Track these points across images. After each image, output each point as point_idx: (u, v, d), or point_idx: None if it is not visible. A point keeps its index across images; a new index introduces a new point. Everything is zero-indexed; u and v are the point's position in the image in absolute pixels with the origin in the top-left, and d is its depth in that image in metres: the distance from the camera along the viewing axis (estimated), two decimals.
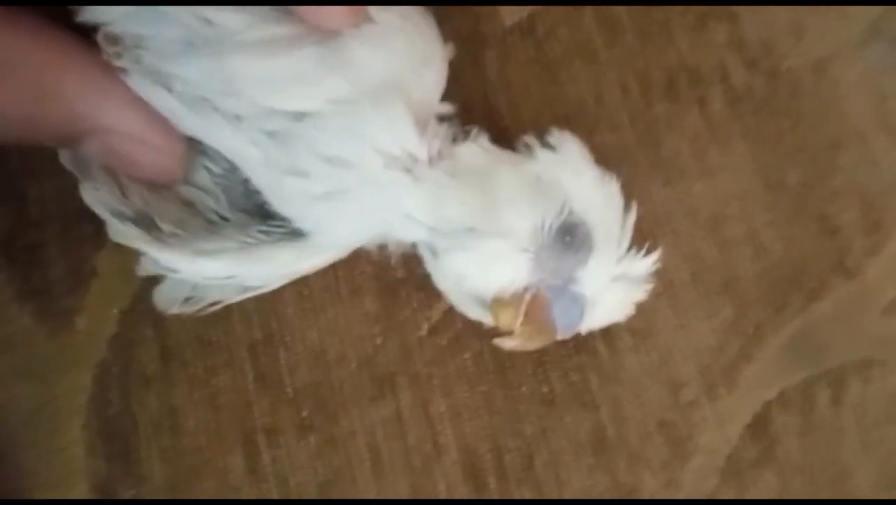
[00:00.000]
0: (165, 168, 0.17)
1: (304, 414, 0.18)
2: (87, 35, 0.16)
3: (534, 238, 0.16)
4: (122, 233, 0.16)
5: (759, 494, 0.18)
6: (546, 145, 0.17)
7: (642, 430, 0.18)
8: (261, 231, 0.17)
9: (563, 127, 0.18)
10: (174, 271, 0.17)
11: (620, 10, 0.20)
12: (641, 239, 0.18)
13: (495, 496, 0.18)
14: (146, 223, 0.17)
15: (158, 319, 0.18)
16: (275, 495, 0.18)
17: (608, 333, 0.18)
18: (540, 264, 0.16)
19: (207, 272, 0.16)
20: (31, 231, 0.19)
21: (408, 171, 0.16)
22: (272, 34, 0.16)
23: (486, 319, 0.17)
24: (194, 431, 0.18)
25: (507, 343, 0.16)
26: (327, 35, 0.16)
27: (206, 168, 0.18)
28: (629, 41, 0.20)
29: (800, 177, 0.19)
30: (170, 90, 0.16)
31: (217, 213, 0.18)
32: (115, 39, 0.16)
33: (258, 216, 0.18)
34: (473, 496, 0.18)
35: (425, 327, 0.18)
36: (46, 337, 0.19)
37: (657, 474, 0.18)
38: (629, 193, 0.18)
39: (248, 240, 0.17)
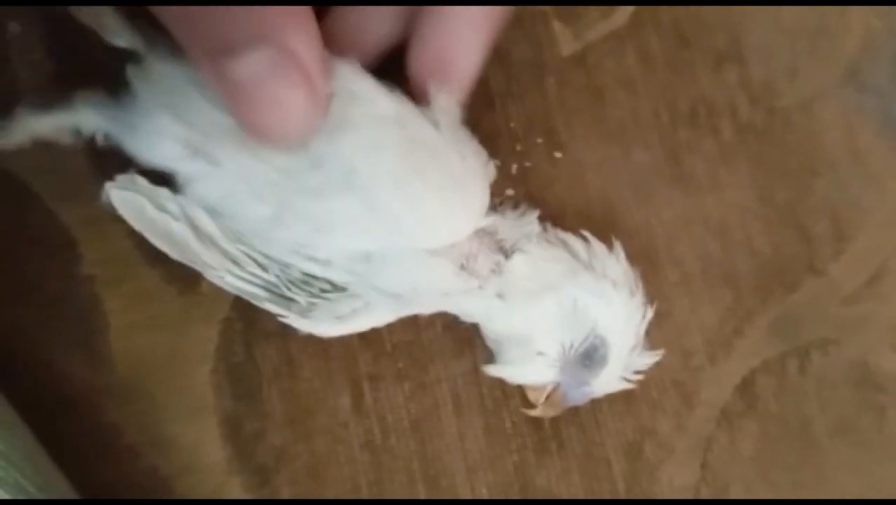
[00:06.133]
0: (301, 125, 0.19)
1: (400, 365, 0.25)
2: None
3: (560, 358, 0.22)
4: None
5: (743, 438, 0.25)
6: (589, 265, 0.22)
7: (660, 385, 0.25)
8: None
9: (606, 143, 0.25)
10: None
11: (657, 50, 0.27)
12: (667, 239, 0.26)
13: (549, 434, 0.25)
14: (276, 292, 0.22)
15: None
16: (376, 430, 0.24)
17: None
18: (562, 374, 0.22)
19: (348, 330, 0.22)
20: None
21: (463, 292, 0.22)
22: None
23: None
24: (309, 377, 0.24)
25: (531, 412, 0.23)
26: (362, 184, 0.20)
27: None
28: (662, 76, 0.27)
29: (786, 195, 0.27)
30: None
31: None
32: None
33: None
34: (533, 432, 0.25)
35: None
36: (175, 295, 0.25)
37: (670, 420, 0.25)
38: (659, 201, 0.25)
39: (371, 294, 0.22)
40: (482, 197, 0.22)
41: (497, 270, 0.22)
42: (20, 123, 0.23)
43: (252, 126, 0.19)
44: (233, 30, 0.18)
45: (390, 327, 0.24)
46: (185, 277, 0.24)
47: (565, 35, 0.26)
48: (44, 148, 0.24)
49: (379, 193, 0.20)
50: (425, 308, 0.23)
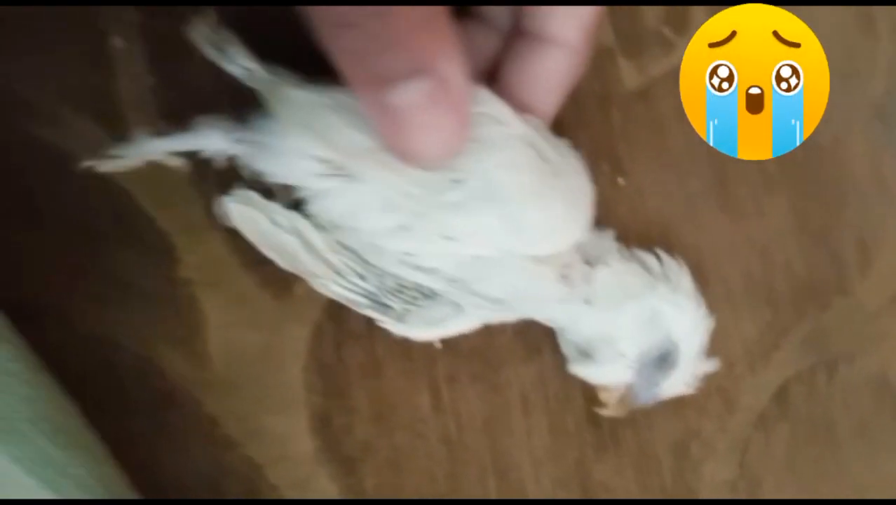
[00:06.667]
0: (450, 149, 0.21)
1: (475, 368, 0.27)
2: None
3: (638, 361, 0.25)
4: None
5: (777, 440, 0.28)
6: (664, 278, 0.25)
7: (706, 391, 0.28)
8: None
9: (664, 171, 0.28)
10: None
11: None
12: (715, 259, 0.28)
13: (607, 433, 0.28)
14: (374, 299, 0.25)
15: None
16: (452, 426, 0.27)
17: None
18: (636, 376, 0.25)
19: (439, 335, 0.25)
20: None
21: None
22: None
23: None
24: (393, 376, 0.27)
25: (602, 412, 0.26)
26: (500, 196, 0.23)
27: None
28: None
29: (820, 222, 0.30)
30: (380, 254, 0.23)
31: None
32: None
33: None
34: (593, 431, 0.27)
35: None
36: (270, 298, 0.27)
37: (713, 422, 0.28)
38: (709, 225, 0.28)
39: (471, 300, 0.24)
40: (590, 212, 0.25)
41: (585, 280, 0.24)
42: (137, 147, 0.25)
43: (403, 150, 0.21)
44: (395, 60, 0.20)
45: (466, 334, 0.27)
46: (280, 282, 0.27)
47: (630, 71, 0.29)
48: None
49: (516, 206, 0.23)
50: (516, 314, 0.25)
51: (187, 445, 0.26)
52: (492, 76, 0.25)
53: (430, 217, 0.23)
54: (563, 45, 0.24)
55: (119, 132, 0.27)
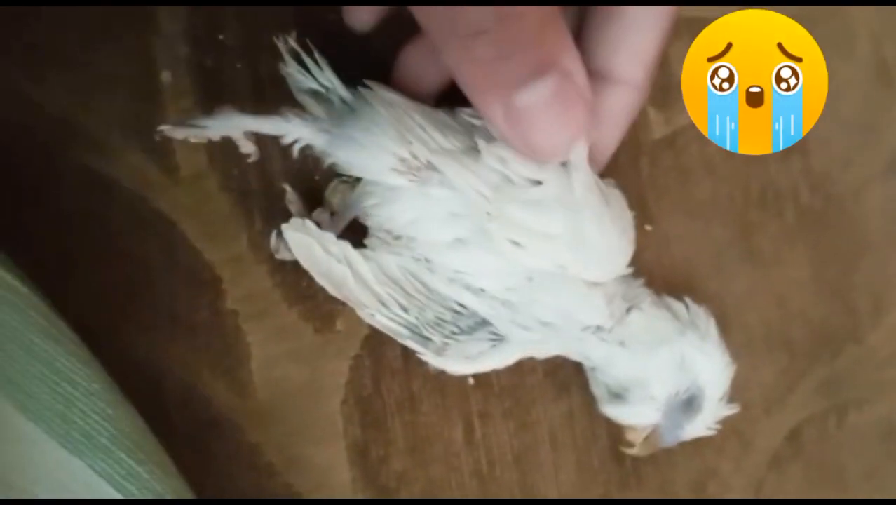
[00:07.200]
0: (580, 137, 0.22)
1: (507, 405, 0.29)
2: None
3: (666, 403, 0.26)
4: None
5: (788, 480, 0.30)
6: (692, 325, 0.26)
7: (724, 432, 0.29)
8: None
9: (690, 219, 0.30)
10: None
11: None
12: (736, 307, 0.30)
13: (630, 470, 0.29)
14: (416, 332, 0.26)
15: None
16: (483, 462, 0.28)
17: None
18: (663, 417, 0.26)
19: (475, 370, 0.26)
20: None
21: (594, 333, 0.26)
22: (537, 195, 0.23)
23: None
24: (428, 411, 0.28)
25: (628, 451, 0.27)
26: (573, 206, 0.24)
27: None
28: (738, 162, 0.31)
29: (835, 272, 0.31)
30: (431, 272, 0.25)
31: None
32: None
33: None
34: (616, 468, 0.29)
35: None
36: (312, 332, 0.28)
37: (730, 462, 0.30)
38: (731, 273, 0.30)
39: (494, 337, 0.26)
40: (632, 248, 0.26)
41: (621, 319, 0.26)
42: (223, 119, 0.26)
43: (533, 147, 0.22)
44: (523, 61, 0.20)
45: (499, 372, 0.28)
46: (322, 317, 0.28)
47: (658, 120, 0.30)
48: (188, 190, 0.27)
49: (583, 218, 0.24)
50: (558, 345, 0.26)
51: (230, 471, 0.27)
52: None
53: (502, 216, 0.24)
54: (626, 83, 0.25)
55: (166, 163, 0.28)
